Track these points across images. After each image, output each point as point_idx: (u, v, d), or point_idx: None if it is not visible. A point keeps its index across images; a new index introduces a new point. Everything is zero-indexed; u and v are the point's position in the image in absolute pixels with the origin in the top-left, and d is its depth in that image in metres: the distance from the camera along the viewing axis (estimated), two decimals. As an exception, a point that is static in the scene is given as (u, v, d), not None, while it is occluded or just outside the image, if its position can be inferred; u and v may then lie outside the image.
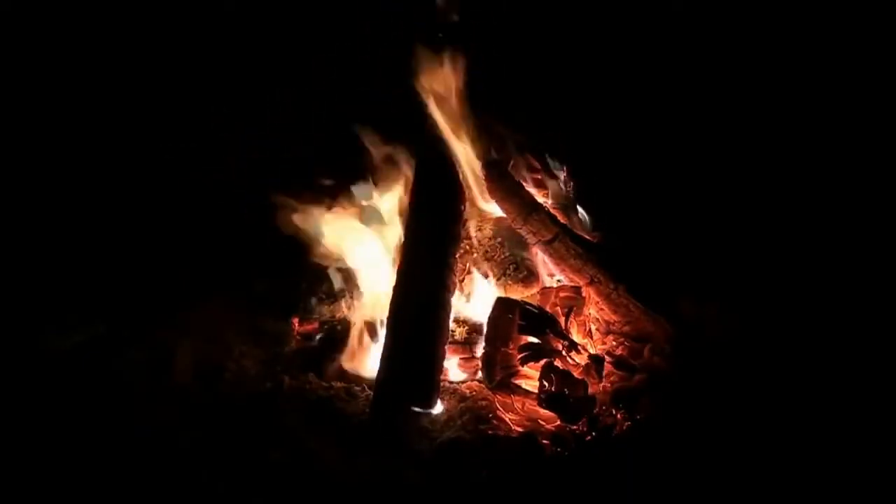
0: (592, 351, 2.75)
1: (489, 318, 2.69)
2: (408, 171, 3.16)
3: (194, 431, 2.37)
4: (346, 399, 2.65)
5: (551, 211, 3.09)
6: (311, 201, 3.10)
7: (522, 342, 2.61)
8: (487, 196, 3.11)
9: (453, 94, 3.08)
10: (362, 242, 3.10)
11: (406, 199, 3.09)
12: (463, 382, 2.74)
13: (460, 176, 3.11)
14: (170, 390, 2.64)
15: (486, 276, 3.02)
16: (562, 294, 2.85)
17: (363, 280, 3.12)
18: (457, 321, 2.87)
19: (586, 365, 2.58)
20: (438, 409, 2.54)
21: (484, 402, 2.56)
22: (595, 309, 2.92)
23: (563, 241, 2.91)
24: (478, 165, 3.10)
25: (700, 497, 2.05)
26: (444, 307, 2.71)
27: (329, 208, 3.09)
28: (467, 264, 3.06)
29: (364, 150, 3.19)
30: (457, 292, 2.86)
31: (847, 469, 2.07)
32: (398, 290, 2.76)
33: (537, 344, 2.59)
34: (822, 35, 3.90)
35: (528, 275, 3.03)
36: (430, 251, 2.81)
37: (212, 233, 3.63)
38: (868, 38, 3.83)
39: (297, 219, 3.06)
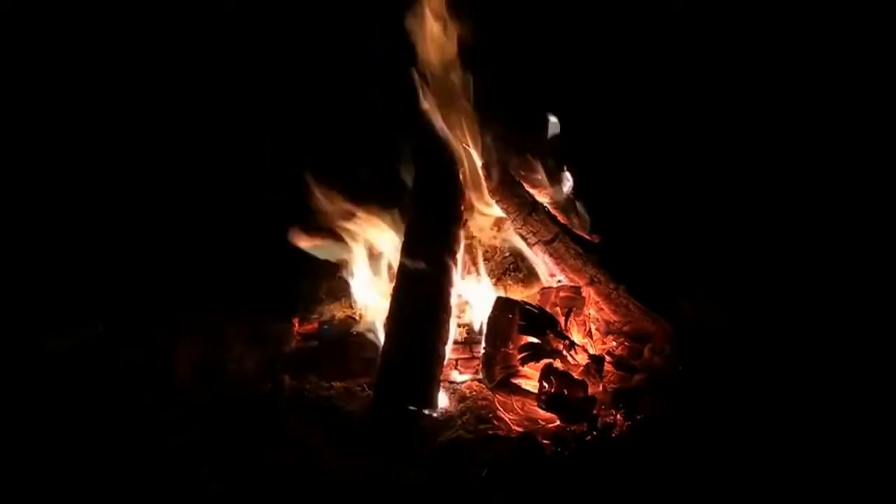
0: (592, 351, 2.75)
1: (489, 318, 2.69)
2: (409, 172, 3.16)
3: (194, 431, 2.37)
4: (346, 399, 2.64)
5: (551, 211, 3.10)
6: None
7: (522, 342, 2.61)
8: (488, 196, 3.11)
9: (456, 95, 3.08)
10: (364, 242, 3.11)
11: (407, 199, 3.09)
12: (463, 382, 2.74)
13: (460, 176, 3.11)
14: (170, 390, 2.64)
15: (486, 276, 3.02)
16: (562, 294, 2.85)
17: (364, 280, 3.12)
18: (457, 321, 2.87)
19: (586, 365, 2.58)
20: (438, 409, 2.54)
21: (484, 402, 2.56)
22: (595, 309, 2.92)
23: (563, 241, 2.92)
24: (478, 165, 3.10)
25: (700, 497, 2.05)
26: (444, 307, 2.71)
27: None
28: (467, 264, 3.06)
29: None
30: (457, 292, 2.85)
31: (847, 468, 2.07)
32: (398, 290, 2.76)
33: (537, 344, 2.59)
34: (822, 35, 3.90)
35: (528, 275, 3.04)
36: (430, 252, 2.81)
37: (212, 233, 3.63)
38: (868, 38, 3.83)
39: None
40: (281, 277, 3.33)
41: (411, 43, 3.03)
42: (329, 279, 3.24)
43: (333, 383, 2.75)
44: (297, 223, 3.07)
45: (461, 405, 2.56)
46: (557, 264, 2.94)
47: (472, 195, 3.15)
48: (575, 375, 2.51)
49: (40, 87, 3.92)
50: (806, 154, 3.70)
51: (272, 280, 3.33)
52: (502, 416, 2.48)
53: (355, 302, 3.15)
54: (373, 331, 2.92)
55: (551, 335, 2.61)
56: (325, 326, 3.07)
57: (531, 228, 2.95)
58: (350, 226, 3.09)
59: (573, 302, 2.83)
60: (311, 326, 3.10)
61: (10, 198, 3.64)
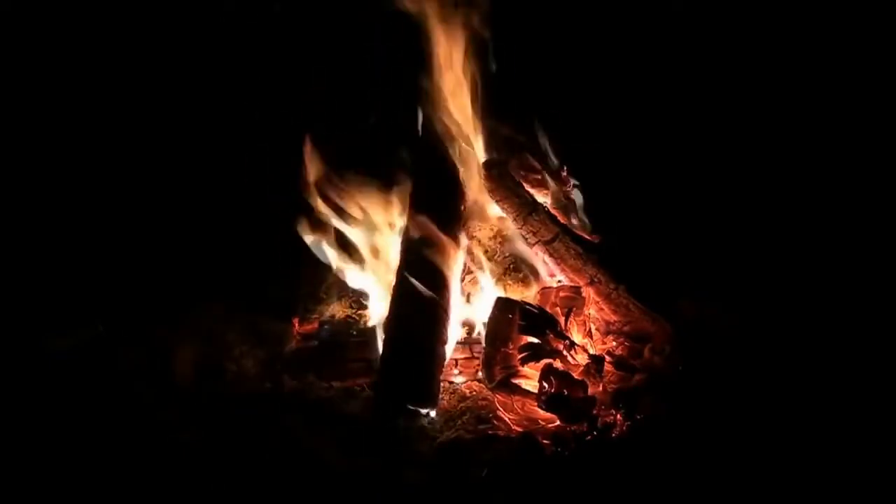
0: (592, 351, 2.75)
1: (489, 318, 2.69)
2: (409, 171, 3.16)
3: (194, 431, 2.37)
4: (346, 399, 2.65)
5: (551, 211, 3.10)
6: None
7: (522, 342, 2.60)
8: (488, 196, 3.11)
9: (457, 95, 3.08)
10: (364, 242, 3.11)
11: (407, 200, 3.08)
12: (463, 382, 2.74)
13: (460, 176, 3.11)
14: (170, 390, 2.64)
15: (486, 276, 3.02)
16: (562, 294, 2.85)
17: (364, 281, 3.12)
18: (457, 321, 2.87)
19: (586, 365, 2.58)
20: (438, 409, 2.54)
21: (484, 402, 2.56)
22: (595, 309, 2.92)
23: (563, 241, 2.92)
24: (479, 165, 3.10)
25: (700, 497, 2.05)
26: (444, 307, 2.71)
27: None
28: (467, 264, 3.06)
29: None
30: (457, 292, 2.85)
31: (847, 468, 2.07)
32: (398, 289, 2.76)
33: (537, 344, 2.59)
34: (822, 35, 3.90)
35: (528, 275, 3.04)
36: (430, 251, 2.81)
37: (212, 233, 3.63)
38: (868, 38, 3.83)
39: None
40: (281, 277, 3.33)
41: (415, 43, 3.04)
42: (329, 279, 3.24)
43: (333, 383, 2.74)
44: (303, 214, 3.06)
45: (461, 405, 2.57)
46: (557, 264, 2.94)
47: (472, 195, 3.16)
48: (575, 375, 2.51)
49: (40, 87, 3.92)
50: (806, 154, 3.70)
51: (272, 280, 3.33)
52: (502, 416, 2.48)
53: (355, 302, 3.15)
54: (373, 331, 2.92)
55: (551, 335, 2.61)
56: (325, 326, 3.07)
57: (531, 228, 2.95)
58: (351, 222, 3.10)
59: (573, 302, 2.83)
60: (311, 326, 3.09)
61: (10, 198, 3.64)
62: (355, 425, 2.44)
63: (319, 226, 3.07)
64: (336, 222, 3.09)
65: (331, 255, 3.10)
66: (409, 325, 2.65)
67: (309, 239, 3.07)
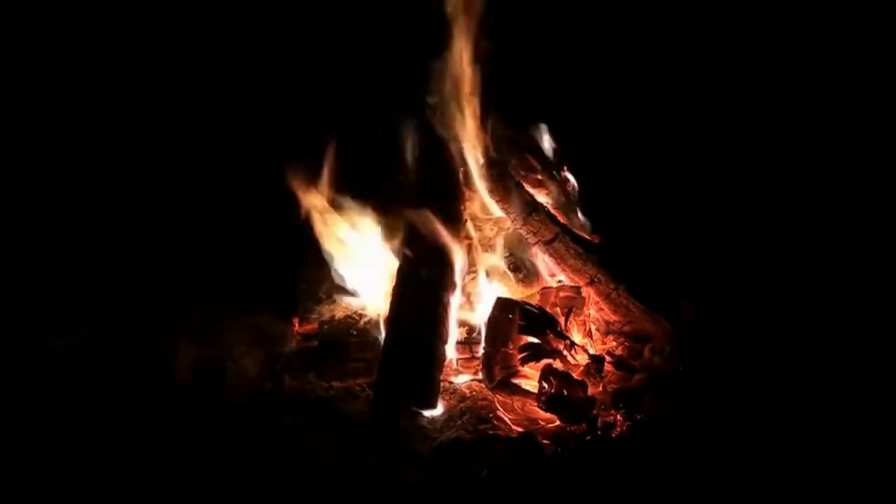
0: (592, 351, 2.76)
1: (489, 318, 2.69)
2: (410, 171, 3.16)
3: (194, 431, 2.37)
4: (346, 399, 2.65)
5: (551, 211, 3.10)
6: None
7: (522, 342, 2.61)
8: (488, 196, 3.11)
9: (457, 94, 3.08)
10: (364, 242, 3.10)
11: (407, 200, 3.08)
12: (463, 382, 2.74)
13: (460, 176, 3.11)
14: (170, 390, 2.64)
15: (487, 276, 3.02)
16: (562, 294, 2.85)
17: (364, 280, 3.12)
18: (457, 321, 2.87)
19: (586, 365, 2.59)
20: (438, 409, 2.54)
21: (484, 402, 2.56)
22: (595, 309, 2.92)
23: (563, 241, 2.92)
24: (479, 165, 3.10)
25: (700, 497, 2.05)
26: (444, 307, 2.71)
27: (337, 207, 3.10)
28: (467, 264, 3.05)
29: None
30: (457, 292, 2.85)
31: (847, 468, 2.07)
32: (398, 289, 2.76)
33: (537, 344, 2.59)
34: (822, 35, 3.90)
35: (528, 275, 3.04)
36: (430, 251, 2.81)
37: (212, 233, 3.63)
38: (868, 38, 3.83)
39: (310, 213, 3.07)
40: (281, 277, 3.33)
41: (416, 42, 3.04)
42: (329, 279, 3.24)
43: (333, 383, 2.74)
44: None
45: (461, 405, 2.57)
46: (557, 264, 2.94)
47: (472, 195, 3.16)
48: (575, 375, 2.51)
49: (40, 87, 3.92)
50: (805, 154, 3.70)
51: (272, 279, 3.33)
52: (502, 416, 2.48)
53: (355, 302, 3.15)
54: (373, 331, 2.92)
55: (551, 335, 2.61)
56: (325, 326, 3.07)
57: (531, 228, 2.95)
58: (352, 222, 3.10)
59: (573, 302, 2.83)
60: (311, 326, 3.09)
61: (10, 197, 3.64)
62: (355, 425, 2.44)
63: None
64: (338, 222, 3.09)
65: (332, 255, 3.10)
66: (409, 325, 2.65)
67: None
